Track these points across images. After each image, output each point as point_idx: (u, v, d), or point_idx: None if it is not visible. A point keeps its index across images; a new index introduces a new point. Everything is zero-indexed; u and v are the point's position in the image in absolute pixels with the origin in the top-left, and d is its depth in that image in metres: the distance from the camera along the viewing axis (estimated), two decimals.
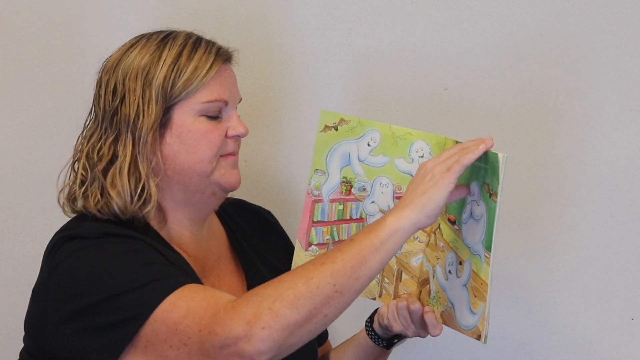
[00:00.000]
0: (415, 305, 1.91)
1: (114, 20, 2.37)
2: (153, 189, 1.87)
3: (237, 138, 1.94)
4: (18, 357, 1.94)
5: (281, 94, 2.39)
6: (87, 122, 1.94)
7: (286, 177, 2.41)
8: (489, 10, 2.34)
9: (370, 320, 2.04)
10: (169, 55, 1.89)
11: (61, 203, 1.93)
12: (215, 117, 1.91)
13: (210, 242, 2.00)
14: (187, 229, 1.95)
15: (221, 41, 1.97)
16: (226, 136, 1.92)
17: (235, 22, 2.38)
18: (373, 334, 2.03)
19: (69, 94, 2.37)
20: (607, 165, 2.36)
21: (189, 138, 1.89)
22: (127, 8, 2.37)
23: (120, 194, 1.86)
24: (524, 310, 2.41)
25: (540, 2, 2.33)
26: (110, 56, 1.94)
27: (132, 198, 1.86)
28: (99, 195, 1.88)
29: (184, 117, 1.89)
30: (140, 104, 1.87)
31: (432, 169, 1.74)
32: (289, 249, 2.12)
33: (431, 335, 1.91)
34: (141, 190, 1.87)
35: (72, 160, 1.93)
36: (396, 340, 2.03)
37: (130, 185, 1.86)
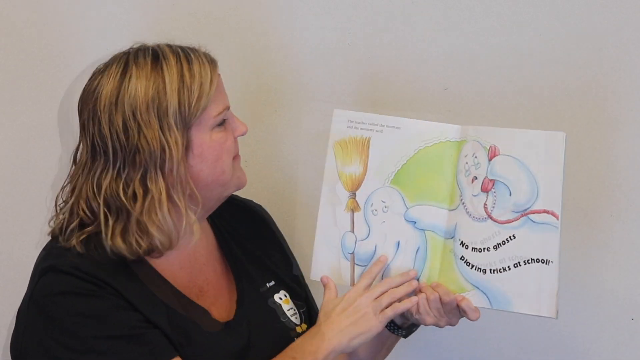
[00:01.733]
0: (449, 297, 1.92)
1: (114, 20, 2.37)
2: (195, 222, 1.87)
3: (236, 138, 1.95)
4: None
5: (281, 94, 2.39)
6: (82, 159, 1.88)
7: (286, 177, 2.41)
8: (489, 10, 2.35)
9: None
10: (171, 78, 1.84)
11: (51, 234, 1.91)
12: (222, 124, 1.90)
13: (199, 243, 1.98)
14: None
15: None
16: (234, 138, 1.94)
17: (236, 22, 2.38)
18: (392, 324, 2.02)
19: (69, 94, 2.36)
20: (606, 165, 2.36)
21: (209, 154, 1.88)
22: (127, 8, 2.37)
23: (162, 230, 1.83)
24: None
25: (540, 2, 2.33)
26: (93, 90, 1.87)
27: (177, 233, 1.85)
28: (136, 236, 1.83)
29: (202, 135, 1.87)
30: (161, 136, 1.82)
31: (366, 305, 1.89)
32: (280, 245, 2.12)
33: (471, 320, 1.93)
34: (185, 225, 1.85)
35: (70, 198, 1.88)
36: (414, 328, 2.03)
37: (173, 220, 1.84)
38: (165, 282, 1.90)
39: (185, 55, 1.88)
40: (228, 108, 1.92)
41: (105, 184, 1.84)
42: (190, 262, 1.96)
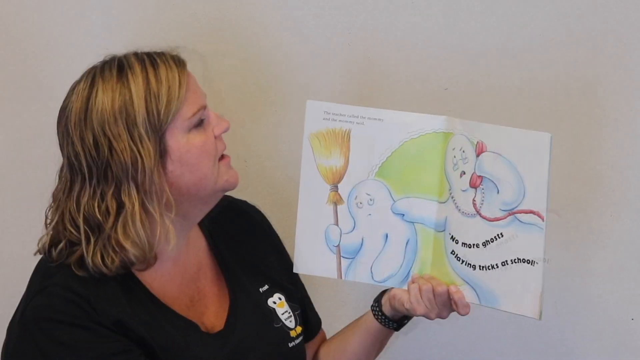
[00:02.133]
0: (442, 288, 1.90)
1: (114, 20, 2.37)
2: (170, 228, 1.84)
3: (220, 136, 1.90)
4: None
5: (281, 94, 2.39)
6: (63, 178, 1.88)
7: (286, 177, 2.41)
8: (489, 10, 2.34)
9: (378, 304, 2.02)
10: (137, 87, 1.81)
11: (41, 251, 1.90)
12: (200, 125, 1.86)
13: (190, 252, 1.97)
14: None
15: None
16: (215, 137, 1.89)
17: (235, 22, 2.38)
18: (383, 317, 2.01)
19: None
20: (606, 165, 2.36)
21: (188, 158, 1.85)
22: (127, 8, 2.37)
23: (136, 244, 1.82)
24: None
25: (540, 2, 2.33)
26: (64, 108, 1.87)
27: (150, 244, 1.83)
28: (111, 253, 1.82)
29: (178, 139, 1.84)
30: (133, 147, 1.80)
31: None
32: (276, 247, 2.11)
33: (461, 314, 1.91)
34: (159, 233, 1.83)
35: (54, 217, 1.87)
36: (406, 321, 2.02)
37: (146, 232, 1.82)
38: (153, 299, 1.89)
39: (151, 61, 1.85)
40: (204, 107, 1.87)
41: (83, 202, 1.83)
42: (180, 273, 1.94)
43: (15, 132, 2.41)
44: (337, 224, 1.98)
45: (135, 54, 1.87)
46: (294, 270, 2.00)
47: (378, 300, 2.02)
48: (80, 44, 2.38)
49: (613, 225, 2.37)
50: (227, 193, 2.04)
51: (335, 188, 1.97)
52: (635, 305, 2.39)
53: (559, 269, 2.38)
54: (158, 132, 1.82)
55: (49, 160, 2.39)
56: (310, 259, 1.99)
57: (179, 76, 1.84)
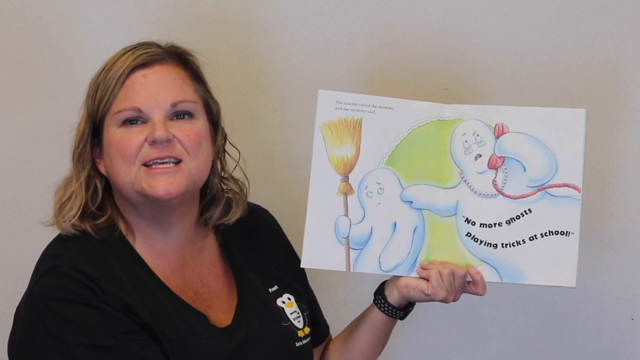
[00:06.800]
0: (463, 270, 1.94)
1: (114, 20, 2.37)
2: (99, 201, 1.93)
3: (160, 144, 1.86)
4: None
5: (281, 94, 2.39)
6: None
7: (286, 176, 2.41)
8: (489, 10, 2.35)
9: (382, 296, 2.02)
10: (100, 69, 1.91)
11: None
12: (136, 124, 1.88)
13: (193, 249, 1.98)
14: (157, 240, 1.94)
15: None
16: (147, 141, 1.87)
17: (235, 22, 2.38)
18: (390, 308, 2.02)
19: (69, 94, 2.36)
20: (607, 165, 2.36)
21: (109, 151, 1.89)
22: (127, 8, 2.37)
23: (61, 201, 1.92)
24: (524, 310, 2.41)
25: (540, 2, 2.34)
26: None
27: (62, 205, 1.92)
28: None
29: (108, 130, 1.90)
30: (80, 121, 1.92)
31: None
32: (286, 249, 2.11)
33: (480, 294, 1.96)
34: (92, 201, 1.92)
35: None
36: (410, 308, 2.03)
37: (64, 193, 1.93)
38: (162, 286, 1.90)
39: (127, 51, 1.91)
40: (137, 110, 1.87)
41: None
42: (180, 263, 1.95)
43: (15, 132, 2.41)
44: (347, 214, 1.98)
45: (134, 45, 1.92)
46: (302, 265, 1.99)
47: (380, 292, 2.02)
48: (81, 44, 2.38)
49: (613, 225, 2.37)
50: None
51: (346, 178, 1.98)
52: (635, 305, 2.39)
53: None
54: (92, 116, 1.90)
55: (49, 160, 2.39)
56: (318, 252, 1.98)
57: (125, 70, 1.88)
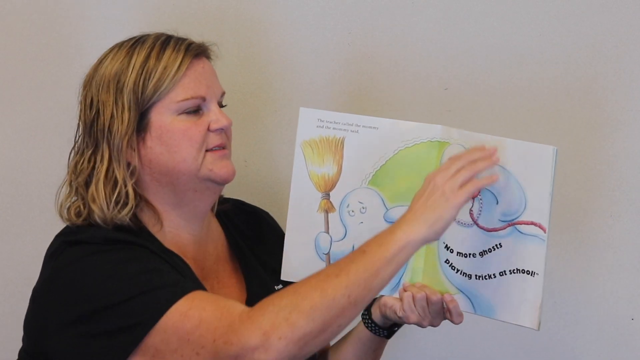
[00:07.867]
0: (436, 297, 1.90)
1: (114, 20, 2.37)
2: (130, 191, 1.88)
3: (220, 131, 1.93)
4: (17, 356, 1.94)
5: (281, 94, 2.39)
6: (76, 138, 1.95)
7: (286, 177, 2.41)
8: (489, 10, 2.35)
9: (368, 312, 2.02)
10: (137, 59, 1.89)
11: (64, 217, 1.94)
12: (195, 113, 1.91)
13: (209, 243, 2.00)
14: (185, 230, 1.95)
15: (197, 38, 1.96)
16: (209, 130, 1.92)
17: (235, 22, 2.38)
18: (373, 325, 2.02)
19: (69, 94, 2.36)
20: (606, 165, 2.36)
21: (168, 138, 1.89)
22: (127, 8, 2.37)
23: (97, 204, 1.87)
24: None
25: (540, 2, 2.33)
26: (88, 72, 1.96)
27: (108, 204, 1.87)
28: (81, 208, 1.89)
29: (162, 118, 1.89)
30: (114, 112, 1.89)
31: (442, 185, 1.76)
32: None
33: (454, 323, 1.91)
34: (118, 195, 1.87)
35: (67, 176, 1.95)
36: (396, 328, 2.02)
37: (105, 193, 1.88)
38: (190, 270, 1.91)
39: (164, 41, 1.92)
40: (202, 98, 1.91)
41: (71, 157, 1.93)
42: (201, 261, 1.97)
43: (15, 132, 2.41)
44: (327, 231, 1.97)
45: (159, 34, 1.94)
46: (282, 278, 2.00)
47: (368, 308, 2.02)
48: (81, 44, 2.38)
49: (613, 225, 2.37)
50: (230, 195, 2.05)
51: (327, 196, 1.96)
52: (635, 305, 2.39)
53: (559, 269, 2.38)
54: (140, 105, 1.89)
55: (49, 160, 2.39)
56: (298, 266, 1.97)
57: (182, 59, 1.90)
